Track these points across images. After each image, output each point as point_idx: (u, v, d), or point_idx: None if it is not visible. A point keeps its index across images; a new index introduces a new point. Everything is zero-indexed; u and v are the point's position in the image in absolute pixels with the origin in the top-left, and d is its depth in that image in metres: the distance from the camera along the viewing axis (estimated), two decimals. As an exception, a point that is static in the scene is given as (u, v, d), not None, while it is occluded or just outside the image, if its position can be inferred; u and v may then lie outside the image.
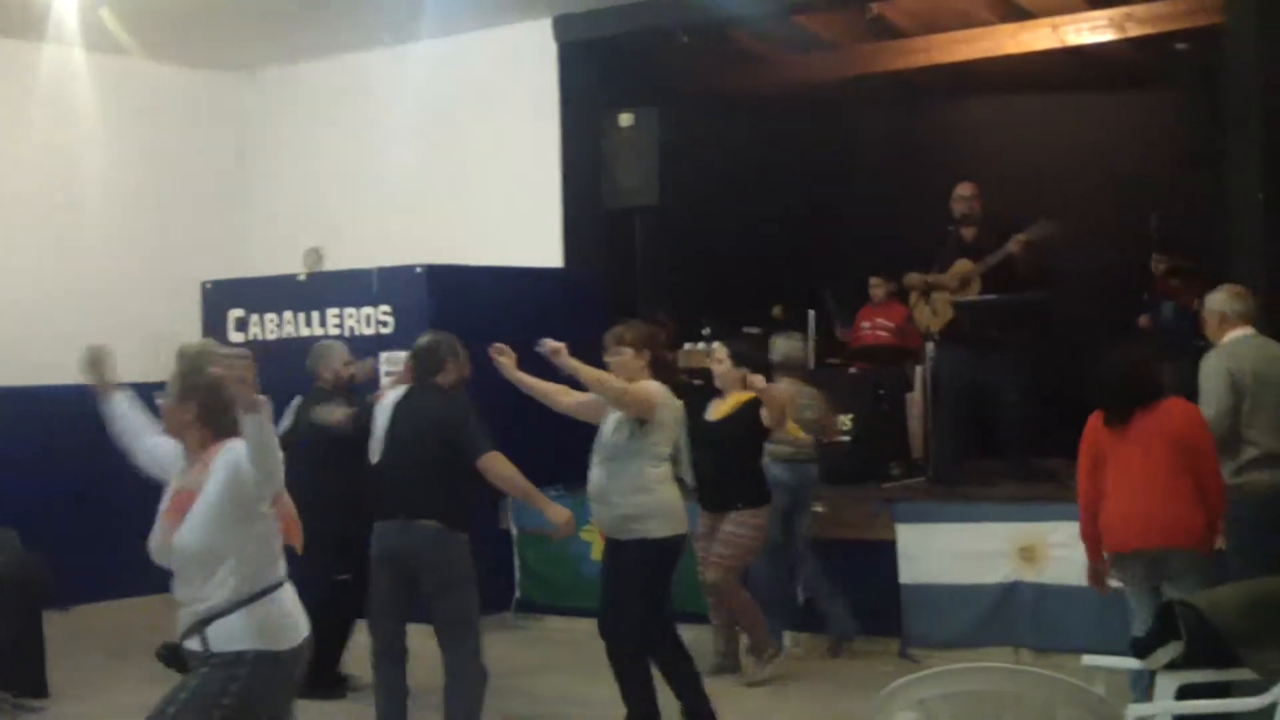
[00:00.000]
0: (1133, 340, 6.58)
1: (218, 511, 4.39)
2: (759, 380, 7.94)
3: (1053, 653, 8.12)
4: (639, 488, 6.68)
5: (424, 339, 7.13)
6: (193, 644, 4.47)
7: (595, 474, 6.82)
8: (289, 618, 4.56)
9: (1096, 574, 6.67)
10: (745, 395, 8.08)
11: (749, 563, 8.40)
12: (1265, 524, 6.91)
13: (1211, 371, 6.94)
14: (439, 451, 6.77)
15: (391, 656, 6.89)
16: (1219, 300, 7.17)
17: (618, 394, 6.63)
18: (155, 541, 4.54)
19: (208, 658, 4.43)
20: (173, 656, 4.57)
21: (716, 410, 8.21)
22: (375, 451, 6.96)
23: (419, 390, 6.99)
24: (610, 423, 6.81)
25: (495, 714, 7.11)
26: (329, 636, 7.36)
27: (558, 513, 6.83)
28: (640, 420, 6.69)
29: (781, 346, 9.01)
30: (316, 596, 6.46)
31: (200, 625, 4.44)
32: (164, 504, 4.59)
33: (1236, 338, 7.04)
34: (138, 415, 4.96)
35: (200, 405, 4.49)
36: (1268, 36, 8.87)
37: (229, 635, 4.42)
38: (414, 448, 6.81)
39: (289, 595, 4.59)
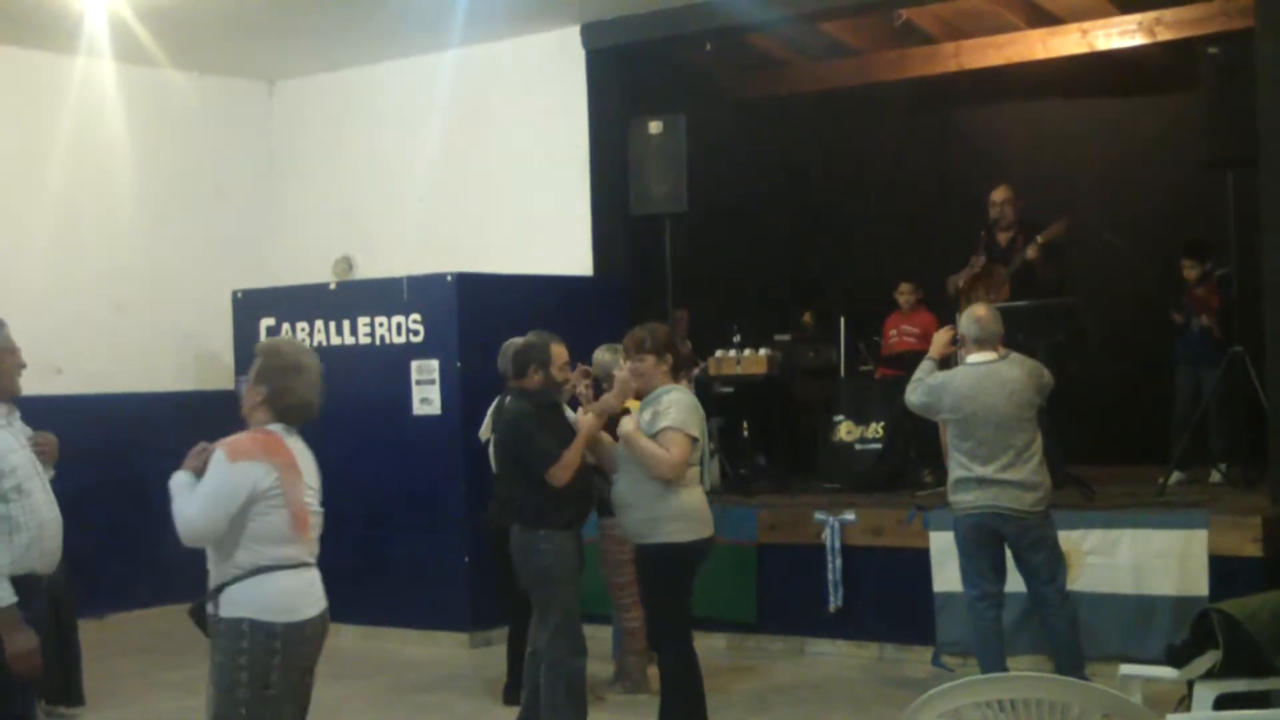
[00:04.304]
0: None
1: None
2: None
3: (1086, 660, 8.08)
4: (660, 493, 6.68)
5: (520, 340, 7.22)
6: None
7: (622, 481, 6.83)
8: None
9: None
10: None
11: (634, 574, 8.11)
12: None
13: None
14: (506, 458, 7.09)
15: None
16: (962, 322, 7.66)
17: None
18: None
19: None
20: None
21: None
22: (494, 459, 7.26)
23: (510, 395, 7.17)
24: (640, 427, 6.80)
25: None
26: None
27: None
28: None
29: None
30: None
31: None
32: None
33: (971, 361, 7.53)
34: None
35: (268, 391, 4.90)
36: (1300, 40, 8.81)
37: None
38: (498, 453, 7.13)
39: None
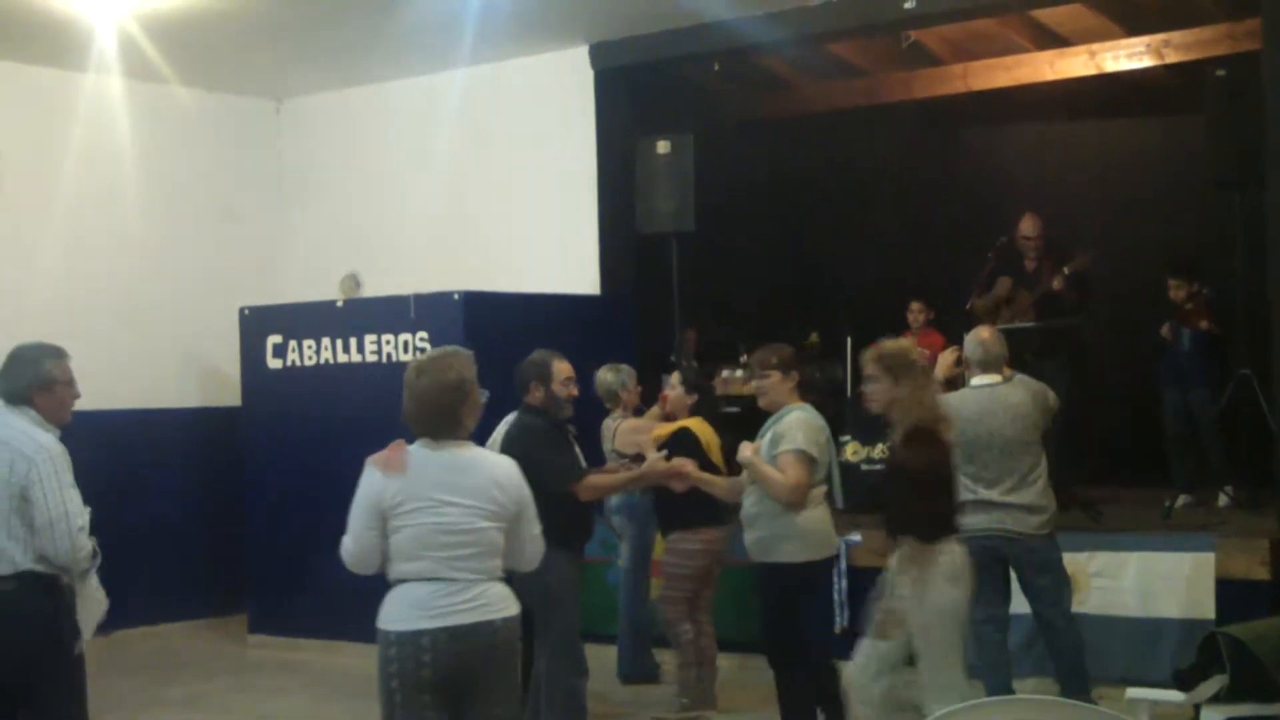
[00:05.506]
0: None
1: None
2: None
3: (1092, 683, 8.05)
4: (778, 512, 6.70)
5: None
6: None
7: (747, 499, 6.85)
8: None
9: None
10: (681, 423, 8.17)
11: (691, 590, 8.36)
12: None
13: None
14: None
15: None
16: (966, 345, 7.60)
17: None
18: None
19: None
20: None
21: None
22: None
23: (518, 411, 7.20)
24: (761, 449, 6.82)
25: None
26: None
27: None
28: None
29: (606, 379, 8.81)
30: None
31: None
32: None
33: (975, 384, 7.44)
34: None
35: None
36: (1308, 63, 8.81)
37: None
38: None
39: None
